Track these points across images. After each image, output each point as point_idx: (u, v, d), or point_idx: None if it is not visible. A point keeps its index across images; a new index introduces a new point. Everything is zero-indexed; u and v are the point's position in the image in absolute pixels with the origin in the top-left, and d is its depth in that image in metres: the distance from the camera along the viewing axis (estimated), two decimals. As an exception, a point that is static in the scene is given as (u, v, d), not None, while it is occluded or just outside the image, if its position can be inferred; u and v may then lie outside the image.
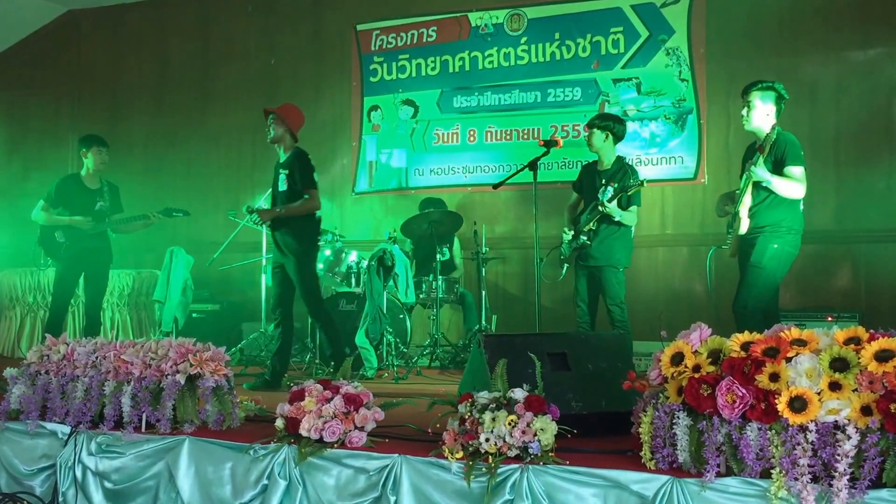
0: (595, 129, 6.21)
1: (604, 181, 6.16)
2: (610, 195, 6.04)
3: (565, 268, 6.39)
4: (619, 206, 6.02)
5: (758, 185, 5.21)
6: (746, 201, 5.24)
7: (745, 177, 5.29)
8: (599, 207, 6.00)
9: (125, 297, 8.51)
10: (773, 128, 5.16)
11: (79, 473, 3.96)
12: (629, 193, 6.01)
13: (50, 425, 4.13)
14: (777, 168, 5.18)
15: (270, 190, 6.39)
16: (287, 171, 6.07)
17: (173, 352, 4.02)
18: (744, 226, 5.25)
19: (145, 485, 3.88)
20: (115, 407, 3.98)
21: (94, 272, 7.11)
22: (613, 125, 6.23)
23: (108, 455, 3.95)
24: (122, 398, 3.96)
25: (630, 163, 6.40)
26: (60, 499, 3.98)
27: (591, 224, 6.08)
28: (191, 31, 9.80)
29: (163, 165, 9.62)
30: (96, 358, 4.18)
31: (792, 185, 5.17)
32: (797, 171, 5.18)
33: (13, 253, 8.95)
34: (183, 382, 3.93)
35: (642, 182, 5.99)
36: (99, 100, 10.13)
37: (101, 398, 4.03)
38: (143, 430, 3.94)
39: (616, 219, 6.01)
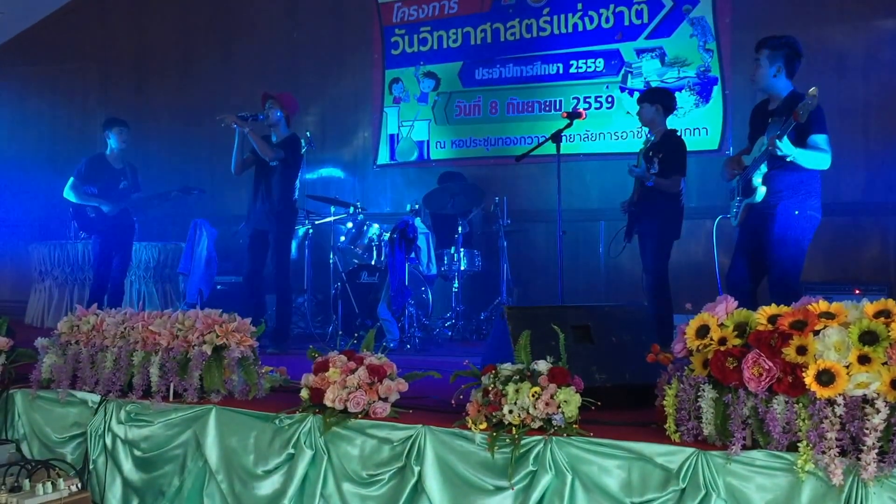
0: (644, 104, 6.19)
1: (650, 154, 6.14)
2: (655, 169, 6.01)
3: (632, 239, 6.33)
4: (662, 175, 5.98)
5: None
6: (762, 169, 4.94)
7: (762, 146, 4.92)
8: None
9: (151, 269, 8.59)
10: (814, 97, 4.63)
11: (109, 441, 4.03)
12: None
13: (80, 394, 4.20)
14: (801, 134, 4.79)
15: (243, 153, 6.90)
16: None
17: (200, 323, 4.05)
18: (759, 194, 4.95)
19: (173, 453, 3.94)
20: (144, 376, 4.03)
21: (120, 244, 7.33)
22: (662, 97, 6.21)
23: (137, 423, 4.01)
24: (150, 368, 4.01)
25: (679, 135, 6.29)
26: (91, 466, 4.05)
27: (634, 195, 6.17)
28: (213, 5, 9.79)
29: (186, 138, 9.67)
30: (125, 329, 4.22)
31: (818, 157, 4.80)
32: (822, 139, 4.80)
33: (43, 226, 9.03)
34: (209, 353, 3.96)
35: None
36: (125, 74, 10.16)
37: (130, 368, 4.08)
38: (170, 399, 3.99)
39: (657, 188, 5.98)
